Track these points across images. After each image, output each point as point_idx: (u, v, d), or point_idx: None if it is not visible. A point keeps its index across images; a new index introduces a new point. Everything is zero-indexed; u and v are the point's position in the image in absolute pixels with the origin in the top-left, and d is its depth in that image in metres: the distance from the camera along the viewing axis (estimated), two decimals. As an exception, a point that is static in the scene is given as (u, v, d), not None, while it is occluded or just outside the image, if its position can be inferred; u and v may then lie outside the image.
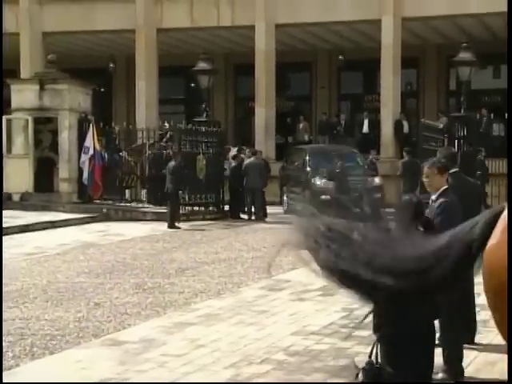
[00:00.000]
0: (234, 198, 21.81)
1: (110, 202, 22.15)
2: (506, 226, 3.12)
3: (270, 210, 21.77)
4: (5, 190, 22.26)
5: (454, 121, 22.35)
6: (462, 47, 22.96)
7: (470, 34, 26.71)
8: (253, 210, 21.25)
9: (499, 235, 3.12)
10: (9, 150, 22.29)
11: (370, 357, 5.31)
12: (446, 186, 6.78)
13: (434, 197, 6.75)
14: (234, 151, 24.05)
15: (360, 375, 5.28)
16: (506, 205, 3.28)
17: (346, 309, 9.77)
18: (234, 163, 22.26)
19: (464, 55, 22.77)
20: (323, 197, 21.26)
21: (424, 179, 6.92)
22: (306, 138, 29.27)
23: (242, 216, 21.50)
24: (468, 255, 3.27)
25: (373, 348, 5.35)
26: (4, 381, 6.94)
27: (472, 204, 7.02)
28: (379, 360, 5.31)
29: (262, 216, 21.10)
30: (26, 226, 18.62)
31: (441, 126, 22.69)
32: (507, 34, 15.63)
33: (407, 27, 26.34)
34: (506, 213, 3.20)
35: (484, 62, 24.62)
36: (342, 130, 28.80)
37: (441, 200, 6.66)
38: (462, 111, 22.66)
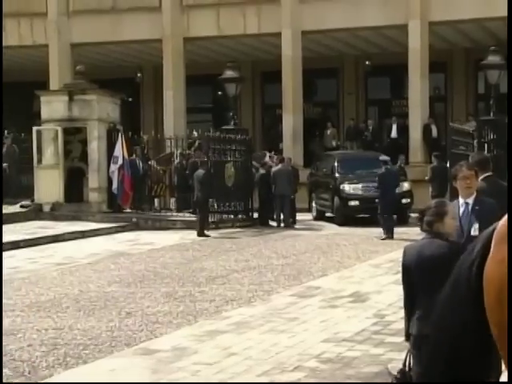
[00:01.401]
0: (263, 206, 21.81)
1: (139, 211, 22.28)
2: (498, 239, 3.16)
3: (298, 216, 21.73)
4: (36, 201, 22.45)
5: (484, 124, 22.18)
6: (491, 50, 22.80)
7: (499, 37, 26.50)
8: (281, 217, 21.22)
9: (492, 249, 3.18)
10: (39, 161, 22.49)
11: (404, 365, 5.28)
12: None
13: (468, 201, 6.41)
14: (268, 156, 24.08)
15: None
16: (499, 221, 3.32)
17: (377, 315, 9.73)
18: (262, 170, 22.27)
19: (492, 58, 22.61)
20: (352, 203, 21.22)
21: (462, 182, 6.45)
22: (334, 144, 29.19)
23: (271, 223, 21.49)
24: (470, 276, 3.27)
25: (406, 356, 5.32)
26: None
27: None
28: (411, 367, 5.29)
29: (290, 223, 21.07)
30: (57, 236, 18.75)
31: (470, 130, 22.53)
32: (507, 35, 15.47)
33: (434, 31, 26.19)
34: (498, 227, 3.24)
35: (513, 65, 24.38)
36: (369, 136, 28.69)
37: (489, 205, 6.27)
38: (492, 115, 22.49)
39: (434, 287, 5.10)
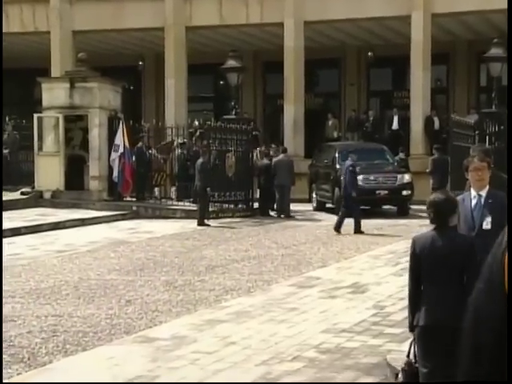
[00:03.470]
0: (264, 196, 21.81)
1: (141, 199, 22.28)
2: None
3: (298, 207, 21.72)
4: (36, 188, 22.47)
5: (486, 117, 22.15)
6: (493, 43, 22.76)
7: (501, 29, 26.43)
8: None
9: None
10: (40, 148, 22.49)
11: (408, 356, 5.29)
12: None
13: (481, 193, 6.23)
14: (274, 148, 24.01)
15: (400, 375, 5.26)
16: None
17: (376, 306, 9.74)
18: (266, 160, 22.26)
19: (495, 51, 22.57)
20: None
21: (474, 174, 6.27)
22: (335, 135, 29.17)
23: (271, 213, 21.49)
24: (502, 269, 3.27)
25: (410, 346, 5.33)
26: (39, 377, 7.00)
27: None
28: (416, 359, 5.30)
29: (290, 213, 21.04)
30: (57, 223, 18.77)
31: (471, 122, 22.50)
32: (507, 35, 15.47)
33: (437, 23, 26.14)
34: None
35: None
36: (370, 127, 28.66)
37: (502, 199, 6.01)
38: (494, 107, 22.46)
39: (444, 278, 5.10)
